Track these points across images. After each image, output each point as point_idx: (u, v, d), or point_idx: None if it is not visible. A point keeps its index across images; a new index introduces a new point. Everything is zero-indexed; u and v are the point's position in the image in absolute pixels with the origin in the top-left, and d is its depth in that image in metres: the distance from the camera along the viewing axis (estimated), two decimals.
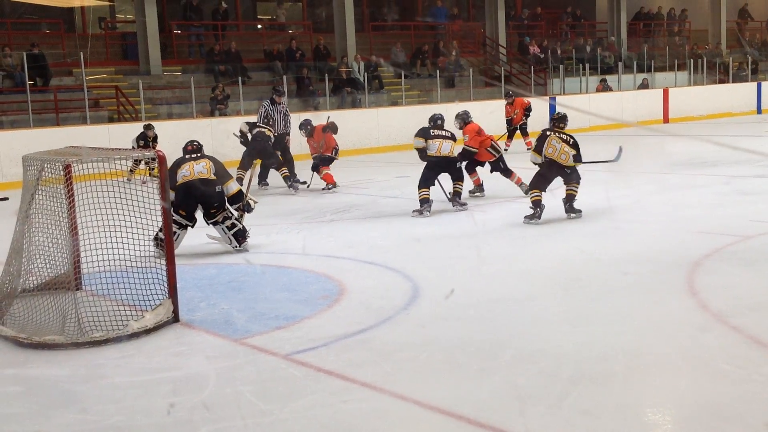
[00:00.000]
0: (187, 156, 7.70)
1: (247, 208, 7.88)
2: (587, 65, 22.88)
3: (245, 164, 11.90)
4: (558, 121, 8.73)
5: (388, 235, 8.42)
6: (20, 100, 15.42)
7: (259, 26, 23.34)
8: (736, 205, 9.12)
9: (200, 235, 7.88)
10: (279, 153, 12.39)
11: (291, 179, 12.08)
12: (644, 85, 23.76)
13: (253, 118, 12.97)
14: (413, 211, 9.35)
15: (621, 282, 6.13)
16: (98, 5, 19.57)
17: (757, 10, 30.92)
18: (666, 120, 22.61)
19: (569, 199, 8.65)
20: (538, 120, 19.04)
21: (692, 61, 25.01)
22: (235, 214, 7.72)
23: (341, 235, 8.53)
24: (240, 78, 17.48)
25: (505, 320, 5.29)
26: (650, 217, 8.80)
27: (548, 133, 8.61)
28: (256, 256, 7.43)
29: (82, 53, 15.61)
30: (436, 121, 9.71)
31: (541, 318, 5.34)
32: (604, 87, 22.86)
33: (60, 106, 16.05)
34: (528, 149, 16.50)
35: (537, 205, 8.52)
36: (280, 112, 12.64)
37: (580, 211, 8.69)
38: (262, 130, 12.06)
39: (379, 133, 17.99)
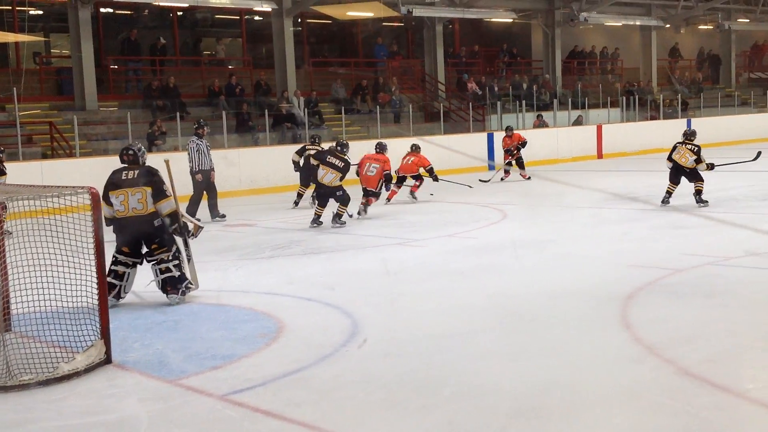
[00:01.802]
0: (123, 175, 6.97)
1: (185, 230, 7.12)
2: (524, 102, 23.33)
3: (305, 181, 13.61)
4: (690, 135, 11.98)
5: (329, 271, 8.39)
6: None
7: (199, 62, 23.25)
8: (669, 239, 9.35)
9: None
10: (205, 190, 12.44)
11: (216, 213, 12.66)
12: (579, 122, 24.31)
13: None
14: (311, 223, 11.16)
15: (557, 316, 6.21)
16: (33, 40, 19.26)
17: (686, 49, 32.03)
18: (600, 156, 23.13)
19: (697, 193, 11.51)
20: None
21: (624, 98, 25.72)
22: (183, 259, 7.09)
23: (281, 271, 8.47)
24: (178, 113, 17.33)
25: (445, 356, 5.30)
26: (585, 251, 8.95)
27: (677, 144, 11.79)
28: (193, 294, 7.29)
29: (15, 89, 15.28)
30: (343, 148, 11.52)
31: (479, 353, 5.36)
32: (540, 123, 23.31)
33: None
34: (524, 179, 16.76)
35: (669, 194, 11.71)
36: (207, 146, 12.67)
37: (707, 201, 11.48)
38: (310, 153, 13.36)
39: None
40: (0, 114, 17.01)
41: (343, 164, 11.31)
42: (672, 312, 6.18)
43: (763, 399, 4.43)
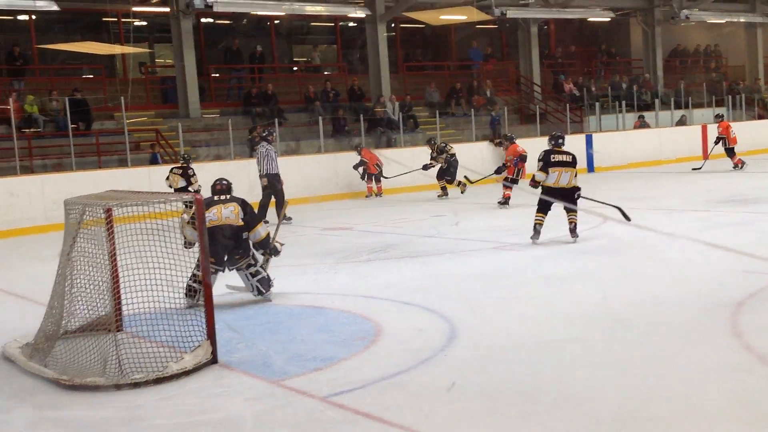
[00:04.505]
0: (215, 198, 7.41)
1: (274, 252, 7.65)
2: (623, 102, 22.79)
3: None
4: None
5: (425, 275, 8.40)
6: (63, 144, 15.76)
7: (295, 69, 23.68)
8: None
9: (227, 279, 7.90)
10: (272, 193, 12.70)
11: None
12: (682, 122, 23.60)
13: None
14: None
15: (662, 323, 6.03)
16: (138, 51, 20.02)
17: None
18: (705, 156, 22.36)
19: None
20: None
21: (730, 97, 24.80)
22: (260, 260, 7.44)
23: (378, 275, 8.52)
24: (276, 120, 17.71)
25: (545, 363, 5.23)
26: (691, 255, 8.67)
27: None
28: (293, 297, 7.44)
29: (122, 97, 15.93)
30: (558, 140, 9.81)
31: (581, 361, 5.26)
32: (641, 124, 22.73)
33: (101, 150, 16.38)
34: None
35: None
36: (275, 153, 13.15)
37: None
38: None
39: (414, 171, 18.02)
40: (109, 122, 17.75)
41: (571, 157, 9.72)
42: None
43: None
